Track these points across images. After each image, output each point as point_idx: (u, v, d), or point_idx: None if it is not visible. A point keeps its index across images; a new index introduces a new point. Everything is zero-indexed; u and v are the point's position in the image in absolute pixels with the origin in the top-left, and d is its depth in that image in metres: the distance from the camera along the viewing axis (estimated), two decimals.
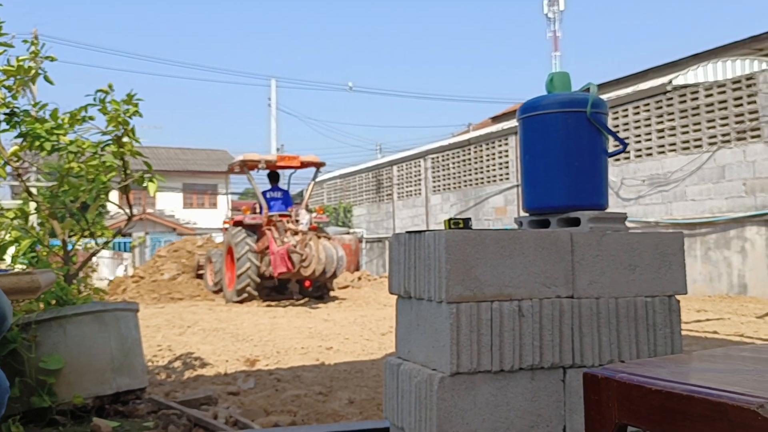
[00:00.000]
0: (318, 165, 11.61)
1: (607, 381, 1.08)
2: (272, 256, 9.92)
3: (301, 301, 11.05)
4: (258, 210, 11.27)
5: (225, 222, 12.92)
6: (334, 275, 10.68)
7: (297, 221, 10.64)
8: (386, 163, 20.08)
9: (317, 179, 12.42)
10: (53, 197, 3.57)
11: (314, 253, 10.02)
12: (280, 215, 10.77)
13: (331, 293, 11.78)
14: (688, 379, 1.04)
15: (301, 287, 11.32)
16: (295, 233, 10.31)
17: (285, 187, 11.92)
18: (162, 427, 3.13)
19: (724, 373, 1.14)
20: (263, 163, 11.06)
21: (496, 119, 23.65)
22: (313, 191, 24.90)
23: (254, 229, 10.91)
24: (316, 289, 11.25)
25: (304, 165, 11.47)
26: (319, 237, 10.47)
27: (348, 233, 18.78)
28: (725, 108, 10.00)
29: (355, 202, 21.35)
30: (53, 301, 3.49)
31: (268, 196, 11.37)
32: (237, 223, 11.14)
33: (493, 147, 14.97)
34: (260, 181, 12.25)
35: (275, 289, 11.31)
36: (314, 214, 11.09)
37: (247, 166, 11.20)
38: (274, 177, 11.69)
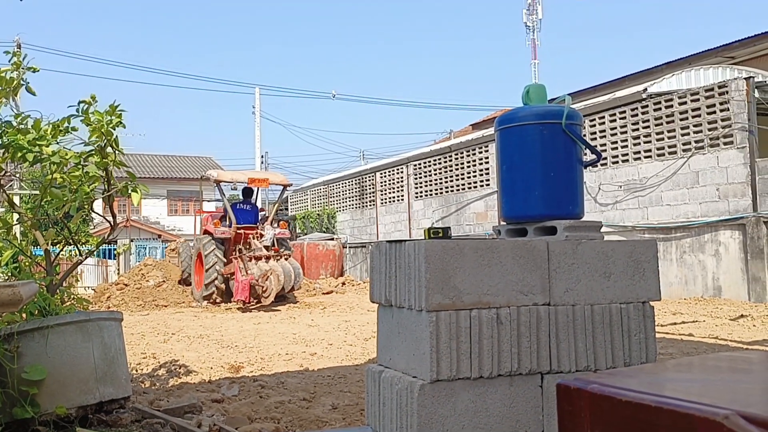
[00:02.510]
0: (285, 185, 12.91)
1: (579, 392, 1.10)
2: (236, 284, 11.02)
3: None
4: (228, 223, 12.28)
5: (198, 212, 14.33)
6: (293, 289, 11.81)
7: (262, 235, 11.96)
8: (369, 169, 20.15)
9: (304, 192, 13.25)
10: (36, 207, 3.57)
11: (273, 286, 10.99)
12: (247, 228, 11.98)
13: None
14: (657, 389, 1.05)
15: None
16: (259, 259, 11.42)
17: (256, 203, 13.30)
18: None
19: (694, 383, 1.17)
20: (235, 184, 12.53)
21: (476, 126, 23.84)
22: (299, 198, 24.95)
23: (223, 242, 12.04)
24: (277, 299, 12.20)
25: (271, 185, 12.78)
26: (278, 259, 11.54)
27: (332, 239, 18.80)
28: (699, 115, 10.21)
29: (339, 208, 21.37)
30: (36, 311, 3.49)
31: (238, 207, 12.46)
32: (206, 233, 12.21)
33: (474, 154, 15.11)
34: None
35: None
36: (278, 230, 12.28)
37: (220, 185, 12.45)
38: (247, 192, 12.85)
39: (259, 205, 14.18)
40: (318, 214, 21.97)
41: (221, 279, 11.76)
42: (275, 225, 12.52)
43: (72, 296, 3.97)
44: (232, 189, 12.59)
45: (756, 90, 9.84)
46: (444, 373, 2.20)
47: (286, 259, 11.64)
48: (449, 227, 2.65)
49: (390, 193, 18.53)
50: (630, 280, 2.60)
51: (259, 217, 12.68)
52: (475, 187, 14.99)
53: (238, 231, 11.82)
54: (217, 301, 11.97)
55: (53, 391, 3.38)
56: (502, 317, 2.32)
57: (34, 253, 3.91)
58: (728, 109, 9.83)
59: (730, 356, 1.45)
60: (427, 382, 2.18)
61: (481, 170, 14.85)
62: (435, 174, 16.51)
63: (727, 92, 9.87)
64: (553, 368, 2.39)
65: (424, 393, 2.19)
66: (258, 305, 11.38)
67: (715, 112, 10.00)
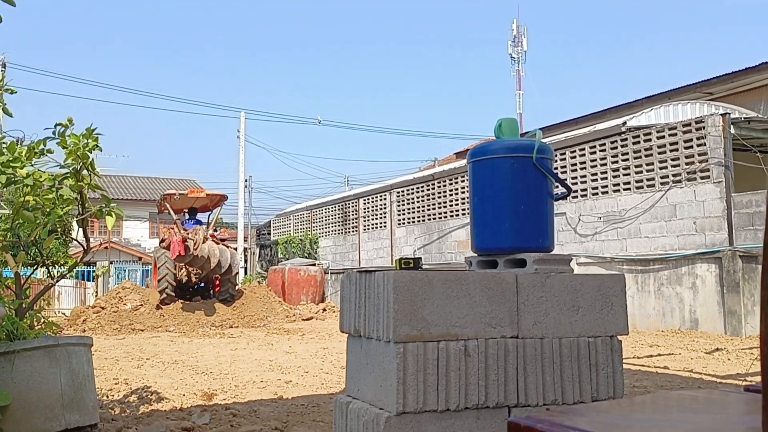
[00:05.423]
0: (221, 196, 14.99)
1: (528, 430, 1.12)
2: (172, 245, 12.65)
3: (211, 300, 14.20)
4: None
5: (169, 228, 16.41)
6: (230, 270, 13.67)
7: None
8: (353, 196, 20.20)
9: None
10: (7, 230, 3.55)
11: (200, 239, 12.83)
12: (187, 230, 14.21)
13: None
14: (605, 429, 1.07)
15: (213, 291, 14.71)
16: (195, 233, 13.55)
17: (203, 222, 15.36)
18: None
19: (643, 422, 1.18)
20: (178, 195, 14.41)
21: (460, 155, 24.07)
22: (281, 223, 24.90)
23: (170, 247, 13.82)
24: (223, 293, 14.29)
25: (209, 196, 14.81)
26: (217, 243, 13.52)
27: (313, 264, 18.73)
28: (676, 149, 10.40)
29: (322, 234, 21.33)
30: (3, 336, 3.43)
31: (184, 222, 14.65)
32: (161, 242, 14.14)
33: (457, 182, 15.21)
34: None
35: (191, 292, 14.63)
36: (218, 232, 14.77)
37: (167, 199, 14.34)
38: (192, 212, 15.42)
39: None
40: (300, 240, 21.91)
41: (172, 275, 13.63)
42: (217, 230, 15.04)
43: (42, 320, 3.91)
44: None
45: (732, 126, 10.06)
46: (410, 405, 2.19)
47: (226, 247, 13.74)
48: (420, 258, 2.66)
49: (373, 219, 18.56)
50: (598, 314, 2.62)
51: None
52: (458, 215, 15.06)
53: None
54: (166, 302, 13.65)
55: (18, 417, 3.31)
56: (470, 349, 2.33)
57: (4, 275, 3.85)
58: (705, 144, 10.03)
59: (689, 395, 1.46)
60: (393, 414, 2.17)
61: (464, 198, 14.95)
62: (418, 201, 16.58)
63: (704, 127, 10.07)
64: (521, 401, 2.39)
65: (390, 425, 2.17)
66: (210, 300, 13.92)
67: (692, 147, 10.20)
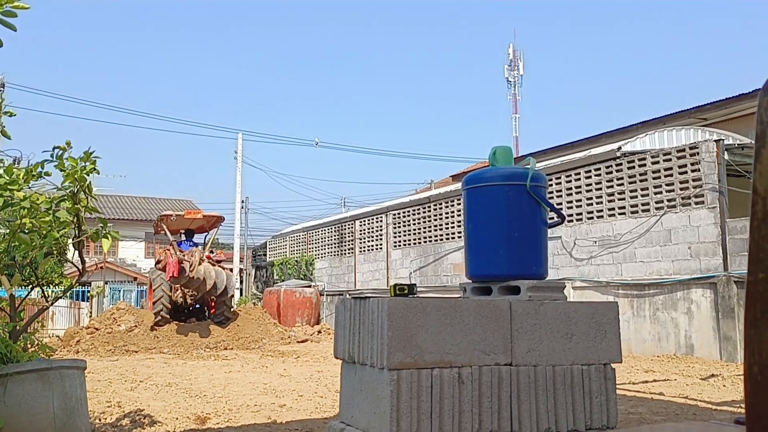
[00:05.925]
0: (218, 218, 15.37)
1: None
2: (167, 266, 12.70)
3: (206, 322, 14.28)
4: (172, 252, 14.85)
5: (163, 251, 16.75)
6: (225, 292, 13.72)
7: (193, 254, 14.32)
8: (349, 217, 20.22)
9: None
10: (2, 252, 3.55)
11: (196, 260, 13.04)
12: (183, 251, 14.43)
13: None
14: None
15: (208, 313, 14.78)
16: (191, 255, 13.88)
17: (208, 242, 15.71)
18: None
19: None
20: (175, 216, 14.71)
21: (456, 177, 24.16)
22: (277, 244, 24.88)
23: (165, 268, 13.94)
24: (218, 315, 14.31)
25: (206, 217, 15.10)
26: (213, 265, 13.69)
27: (309, 286, 18.67)
28: (671, 175, 10.48)
29: (318, 256, 21.31)
30: None
31: (181, 243, 14.84)
32: (157, 263, 14.23)
33: (453, 205, 15.25)
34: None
35: (186, 314, 14.68)
36: (214, 253, 15.21)
37: (164, 220, 14.64)
38: (188, 233, 15.72)
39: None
40: (296, 261, 21.87)
41: (167, 298, 13.75)
42: (213, 251, 15.25)
43: (36, 343, 3.90)
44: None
45: (726, 152, 10.14)
46: None
47: (222, 269, 13.86)
48: (414, 284, 2.68)
49: (369, 241, 18.56)
50: (591, 342, 2.63)
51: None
52: (453, 238, 15.08)
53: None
54: (161, 323, 13.70)
55: None
56: (464, 377, 2.33)
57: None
58: (699, 170, 10.10)
59: (684, 427, 1.47)
60: None
61: (459, 221, 14.98)
62: (414, 224, 16.61)
63: (698, 153, 10.15)
64: (514, 429, 2.39)
65: None
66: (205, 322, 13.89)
67: (686, 172, 10.27)
